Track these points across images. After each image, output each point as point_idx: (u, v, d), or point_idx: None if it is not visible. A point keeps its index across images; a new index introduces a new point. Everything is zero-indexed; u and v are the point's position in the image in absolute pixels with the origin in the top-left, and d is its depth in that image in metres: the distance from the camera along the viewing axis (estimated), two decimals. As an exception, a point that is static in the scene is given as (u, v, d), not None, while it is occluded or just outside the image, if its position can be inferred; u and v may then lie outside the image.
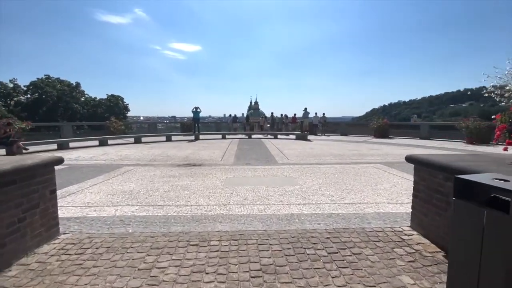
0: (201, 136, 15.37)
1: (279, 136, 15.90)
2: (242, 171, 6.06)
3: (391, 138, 15.21)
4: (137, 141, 13.03)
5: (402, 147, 10.62)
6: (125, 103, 34.23)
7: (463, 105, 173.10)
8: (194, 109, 15.78)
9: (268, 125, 19.50)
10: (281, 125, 18.99)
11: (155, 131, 19.43)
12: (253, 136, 16.13)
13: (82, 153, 9.14)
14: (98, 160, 7.80)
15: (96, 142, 11.99)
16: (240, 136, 16.35)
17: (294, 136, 15.26)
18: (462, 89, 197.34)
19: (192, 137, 15.10)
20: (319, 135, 16.87)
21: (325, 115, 18.40)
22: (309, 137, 15.08)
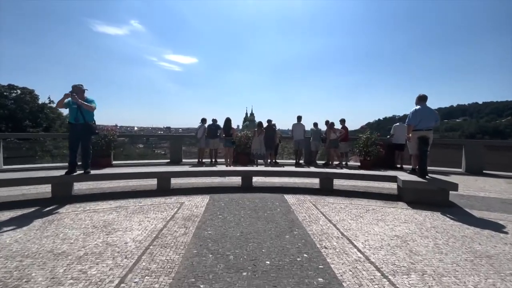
0: (93, 185, 4.62)
1: (345, 183, 5.24)
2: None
3: None
4: None
5: None
6: (46, 102, 20.43)
7: (457, 120, 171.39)
8: (71, 91, 4.29)
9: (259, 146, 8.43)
10: (318, 145, 8.48)
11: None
12: (256, 181, 5.47)
13: None
14: None
15: None
16: (219, 178, 5.76)
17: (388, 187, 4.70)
18: (455, 104, 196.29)
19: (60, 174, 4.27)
20: (408, 171, 6.37)
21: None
22: (401, 174, 4.51)
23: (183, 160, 9.23)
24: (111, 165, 8.02)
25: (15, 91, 18.19)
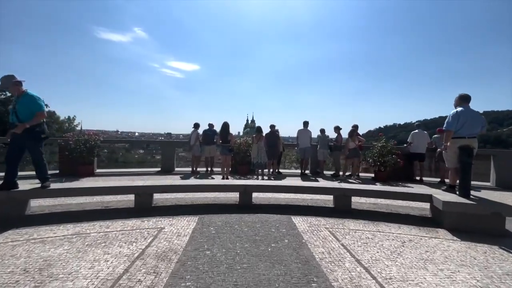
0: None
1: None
2: None
3: None
4: None
5: None
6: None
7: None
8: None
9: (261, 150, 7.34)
10: (325, 154, 7.60)
11: None
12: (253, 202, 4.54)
13: None
14: None
15: None
16: (212, 193, 4.84)
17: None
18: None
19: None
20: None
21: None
22: (436, 193, 3.59)
23: (176, 169, 8.32)
24: (93, 174, 7.13)
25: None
